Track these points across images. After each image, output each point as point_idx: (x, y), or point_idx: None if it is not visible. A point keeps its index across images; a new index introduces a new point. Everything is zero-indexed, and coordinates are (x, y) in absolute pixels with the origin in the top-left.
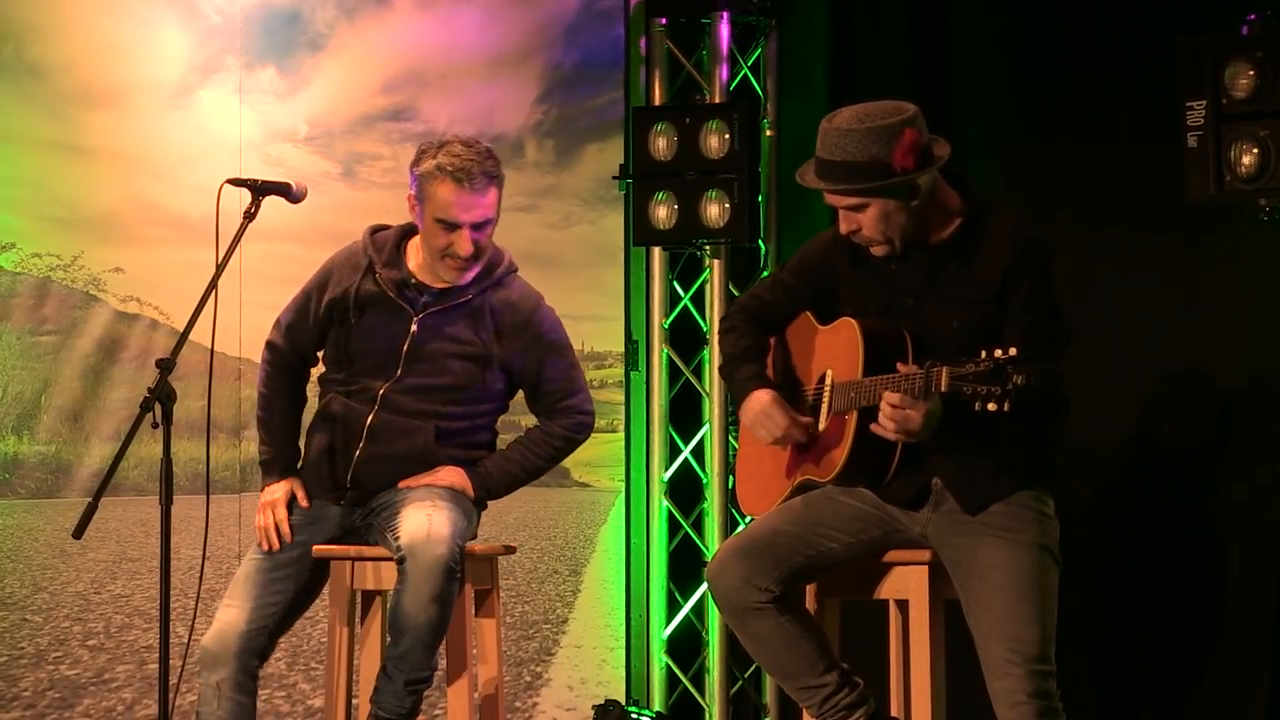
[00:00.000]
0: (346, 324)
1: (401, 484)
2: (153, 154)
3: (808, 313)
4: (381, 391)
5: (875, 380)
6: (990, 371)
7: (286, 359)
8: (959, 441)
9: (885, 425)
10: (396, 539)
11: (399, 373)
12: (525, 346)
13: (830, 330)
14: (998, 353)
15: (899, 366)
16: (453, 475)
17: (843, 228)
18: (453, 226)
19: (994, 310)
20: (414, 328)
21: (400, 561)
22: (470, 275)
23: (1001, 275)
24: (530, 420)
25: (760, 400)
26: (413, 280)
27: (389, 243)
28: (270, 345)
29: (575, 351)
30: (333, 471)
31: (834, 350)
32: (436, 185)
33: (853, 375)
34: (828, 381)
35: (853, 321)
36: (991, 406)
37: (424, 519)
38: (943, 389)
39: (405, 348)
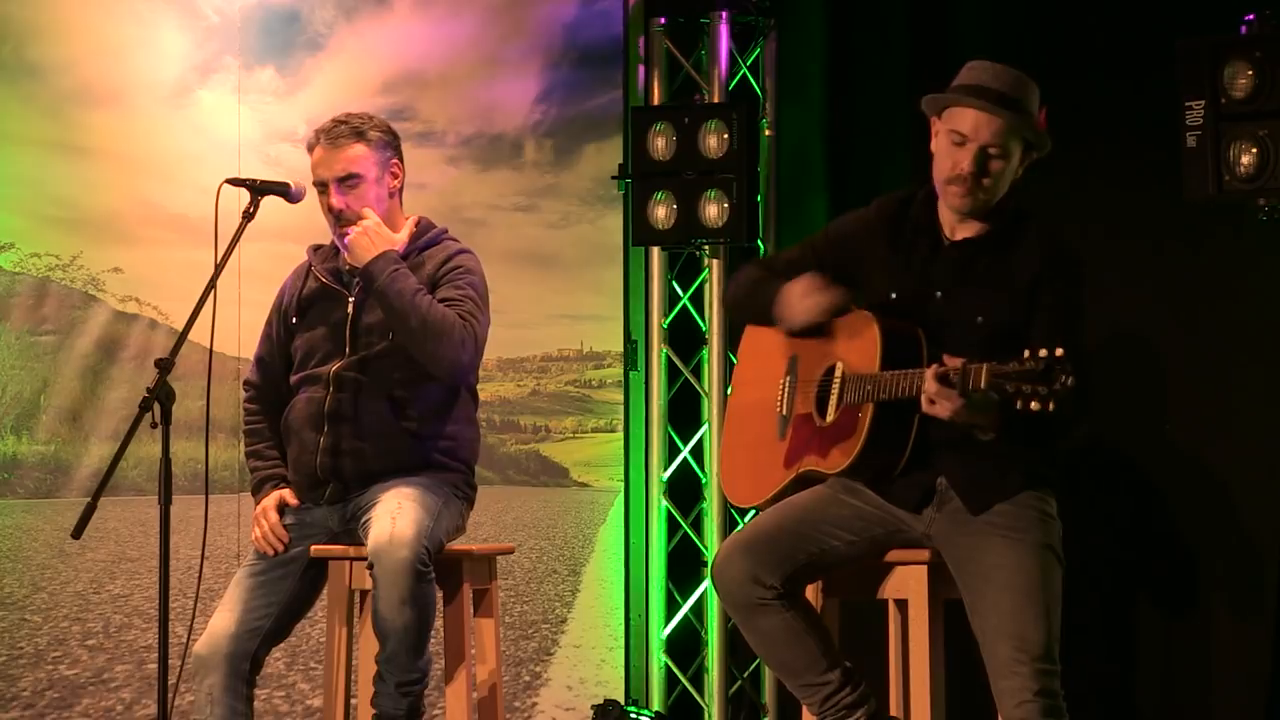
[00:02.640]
0: (297, 325)
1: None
2: (152, 154)
3: None
4: (333, 373)
5: (896, 375)
6: (1040, 371)
7: (263, 393)
8: (966, 435)
9: (934, 411)
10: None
11: (347, 351)
12: (441, 277)
13: (843, 322)
14: (1042, 352)
15: (945, 359)
16: (383, 239)
17: (963, 164)
18: (323, 187)
19: (1021, 309)
20: (350, 309)
21: (370, 568)
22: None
23: (1033, 277)
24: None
25: (800, 281)
26: (346, 267)
27: (327, 247)
28: (246, 383)
29: (475, 296)
30: (308, 469)
31: (846, 343)
32: (311, 156)
33: (868, 368)
34: (837, 373)
35: (870, 315)
36: (1035, 406)
37: (388, 523)
38: (981, 386)
39: (348, 329)
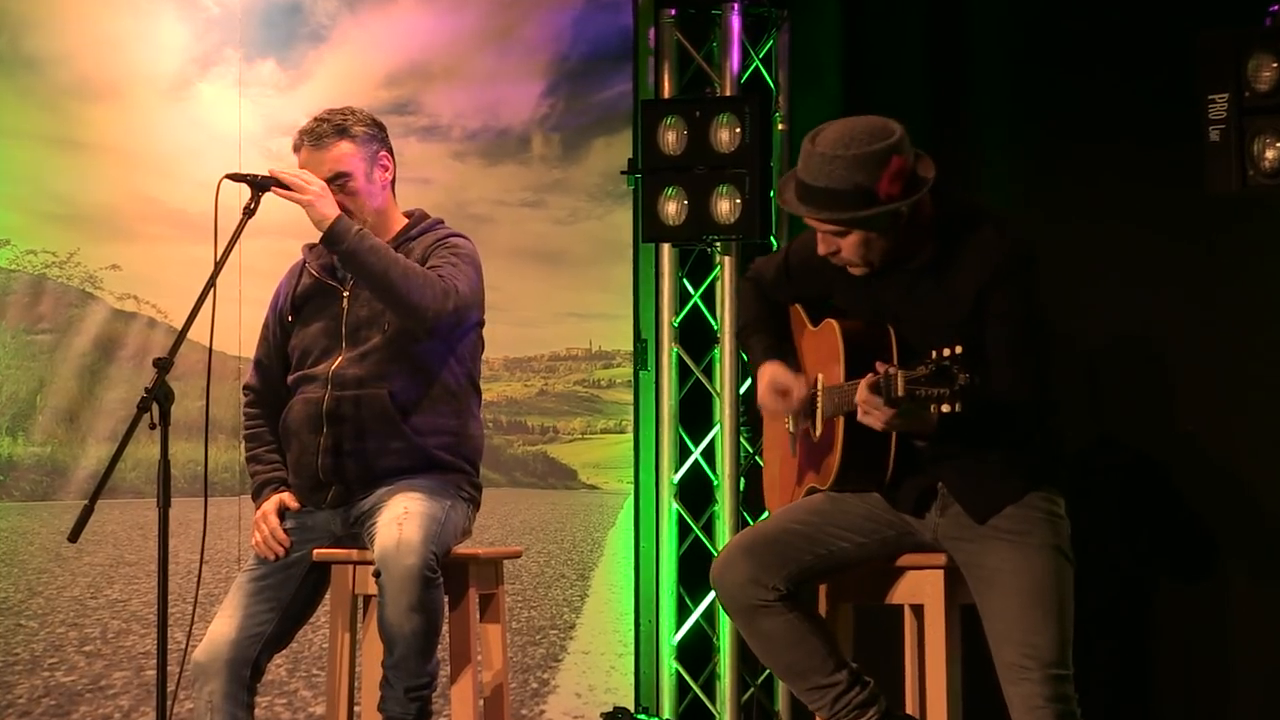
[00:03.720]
0: (293, 324)
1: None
2: (151, 148)
3: (800, 310)
4: (331, 371)
5: (854, 385)
6: (935, 372)
7: (263, 396)
8: (958, 447)
9: (868, 421)
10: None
11: (344, 347)
12: (434, 255)
13: (817, 333)
14: (945, 351)
15: (876, 365)
16: (326, 203)
17: (821, 249)
18: None
19: (975, 329)
20: (346, 304)
21: (376, 575)
22: None
23: (977, 293)
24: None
25: (765, 372)
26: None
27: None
28: (245, 387)
29: (461, 264)
30: (309, 472)
31: (821, 353)
32: (298, 157)
33: (838, 379)
34: (819, 386)
35: (834, 323)
36: (945, 408)
37: (394, 529)
38: (899, 394)
39: (343, 324)
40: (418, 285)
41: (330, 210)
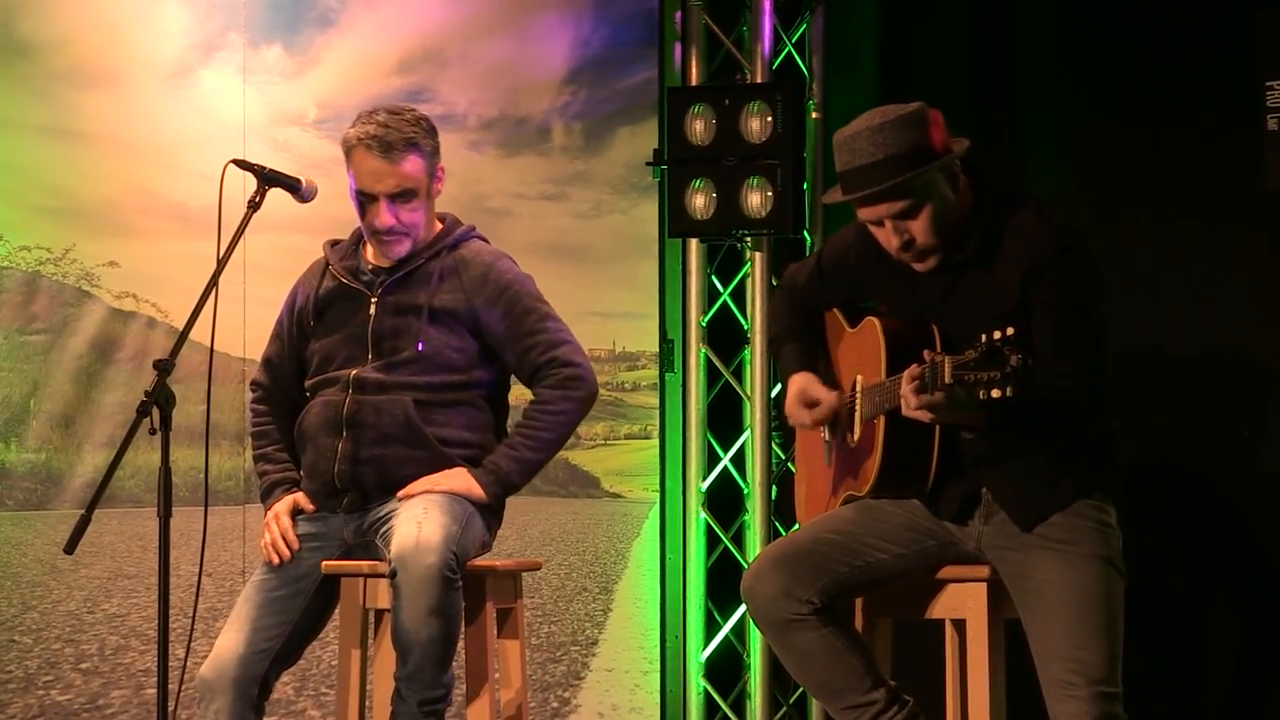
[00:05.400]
0: (314, 329)
1: (401, 493)
2: (150, 138)
3: (838, 313)
4: (353, 376)
5: (896, 380)
6: (985, 355)
7: (271, 395)
8: (1007, 444)
9: (913, 415)
10: (388, 552)
11: (369, 356)
12: (489, 300)
13: (856, 333)
14: (996, 334)
15: (923, 353)
16: (456, 479)
17: (892, 243)
18: (370, 198)
19: (1022, 322)
20: (373, 310)
21: (392, 576)
22: (401, 251)
23: (1021, 283)
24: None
25: (795, 384)
26: (368, 266)
27: (346, 242)
28: (253, 383)
29: (552, 313)
30: (325, 477)
31: (861, 353)
32: (355, 156)
33: (878, 377)
34: (858, 387)
35: (874, 320)
36: (995, 393)
37: (413, 528)
38: (947, 380)
39: (370, 331)
40: (574, 418)
41: (479, 486)
